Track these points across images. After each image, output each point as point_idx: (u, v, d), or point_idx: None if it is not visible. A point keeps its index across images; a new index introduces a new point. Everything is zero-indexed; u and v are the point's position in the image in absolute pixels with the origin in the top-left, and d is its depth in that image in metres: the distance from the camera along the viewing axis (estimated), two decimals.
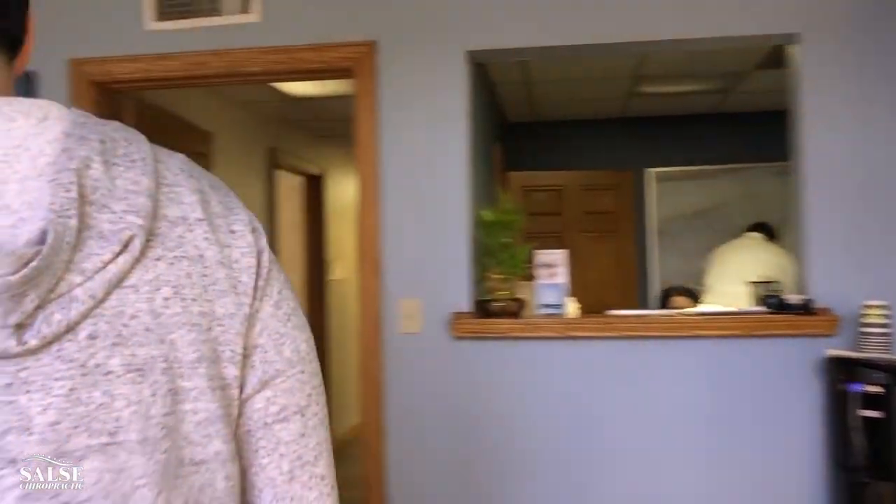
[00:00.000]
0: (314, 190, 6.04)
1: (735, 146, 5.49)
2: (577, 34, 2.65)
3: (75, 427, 0.52)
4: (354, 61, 2.69)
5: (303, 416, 0.66)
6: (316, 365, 0.69)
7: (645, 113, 5.52)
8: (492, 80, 4.35)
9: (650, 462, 2.55)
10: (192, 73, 2.77)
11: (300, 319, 0.68)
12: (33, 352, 0.51)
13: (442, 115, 2.67)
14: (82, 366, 0.53)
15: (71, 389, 0.52)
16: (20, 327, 0.51)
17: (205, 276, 0.60)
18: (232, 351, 0.61)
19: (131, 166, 0.58)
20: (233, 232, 0.64)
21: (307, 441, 0.66)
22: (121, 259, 0.55)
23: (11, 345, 0.50)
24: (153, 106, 3.22)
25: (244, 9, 2.74)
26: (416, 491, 2.63)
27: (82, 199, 0.54)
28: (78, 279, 0.53)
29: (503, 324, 2.56)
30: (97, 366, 0.53)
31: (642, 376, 2.56)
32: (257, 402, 0.63)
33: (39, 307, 0.51)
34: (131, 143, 0.60)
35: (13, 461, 0.50)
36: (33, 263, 0.51)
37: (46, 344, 0.52)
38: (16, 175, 0.54)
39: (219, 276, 0.61)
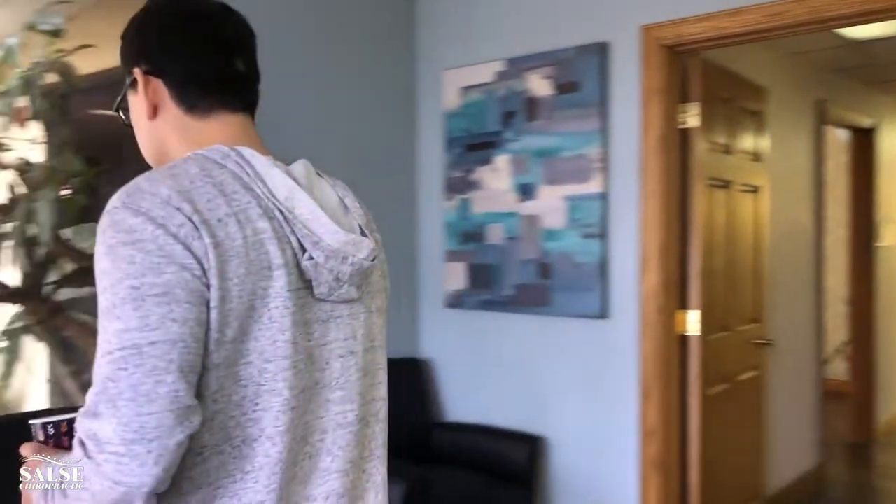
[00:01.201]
0: (862, 144, 5.39)
1: None
2: None
3: (367, 337, 1.07)
4: None
5: (382, 347, 1.14)
6: None
7: None
8: None
9: None
10: (768, 26, 2.60)
11: None
12: (356, 300, 1.05)
13: None
14: (366, 307, 1.08)
15: (365, 318, 1.07)
16: (357, 287, 1.04)
17: (384, 267, 1.15)
18: (385, 307, 1.16)
19: (363, 207, 1.10)
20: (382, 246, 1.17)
21: (382, 361, 1.17)
22: (375, 256, 1.05)
23: (354, 294, 1.04)
24: (713, 64, 3.15)
25: None
26: None
27: (366, 225, 1.08)
28: (367, 264, 1.03)
29: None
30: (370, 307, 1.09)
31: None
32: None
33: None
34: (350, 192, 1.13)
35: (352, 352, 1.04)
36: (376, 256, 1.05)
37: (360, 296, 1.06)
38: (328, 208, 1.02)
39: (386, 268, 1.17)
